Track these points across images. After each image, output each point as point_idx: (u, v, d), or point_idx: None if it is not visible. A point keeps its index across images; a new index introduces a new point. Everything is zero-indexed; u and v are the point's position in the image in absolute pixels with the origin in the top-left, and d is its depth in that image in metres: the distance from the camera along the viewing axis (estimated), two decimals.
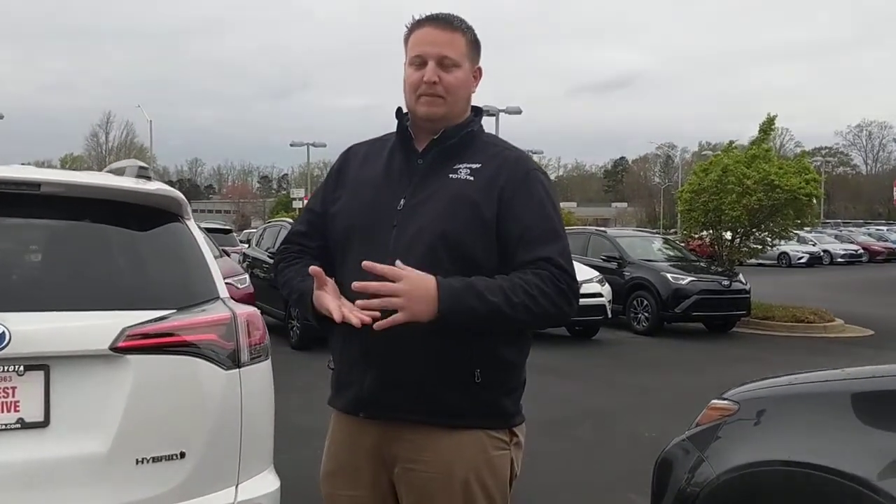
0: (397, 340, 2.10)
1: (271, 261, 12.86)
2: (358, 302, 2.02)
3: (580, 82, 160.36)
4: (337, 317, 2.07)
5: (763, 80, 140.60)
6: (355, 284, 2.02)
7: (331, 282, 2.19)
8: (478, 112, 2.38)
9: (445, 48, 2.21)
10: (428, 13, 2.27)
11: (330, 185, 2.42)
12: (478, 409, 2.19)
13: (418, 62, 2.22)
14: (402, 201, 2.22)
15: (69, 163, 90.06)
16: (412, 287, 1.99)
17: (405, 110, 2.33)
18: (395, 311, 1.99)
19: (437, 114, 2.24)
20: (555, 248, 2.15)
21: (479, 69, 2.34)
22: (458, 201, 2.17)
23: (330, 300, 2.13)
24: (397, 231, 2.19)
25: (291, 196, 55.53)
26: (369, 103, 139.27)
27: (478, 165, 2.22)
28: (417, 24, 2.26)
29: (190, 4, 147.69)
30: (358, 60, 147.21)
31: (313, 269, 2.16)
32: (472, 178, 2.20)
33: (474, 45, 2.29)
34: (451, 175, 2.22)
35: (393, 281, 1.98)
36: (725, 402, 3.14)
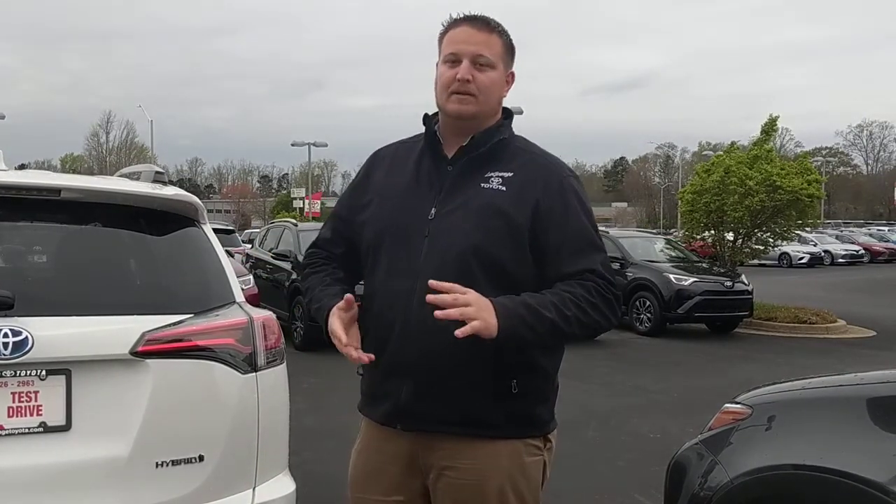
0: (434, 352, 2.09)
1: (275, 261, 12.92)
2: (437, 313, 1.96)
3: (589, 84, 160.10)
4: (342, 350, 2.14)
5: (763, 81, 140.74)
6: (430, 298, 1.97)
7: (354, 308, 2.18)
8: (508, 115, 2.33)
9: (481, 47, 2.17)
10: (465, 13, 2.22)
11: (358, 191, 2.40)
12: (514, 420, 2.17)
13: (452, 59, 2.18)
14: (432, 210, 2.19)
15: (69, 162, 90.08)
16: (479, 299, 1.98)
17: (431, 114, 2.31)
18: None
19: (467, 112, 2.19)
20: (597, 258, 2.15)
21: (512, 74, 2.29)
22: (490, 213, 2.14)
23: (339, 329, 2.13)
24: (429, 242, 2.16)
25: (292, 196, 55.45)
26: (382, 103, 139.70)
27: (510, 174, 2.19)
28: (454, 23, 2.22)
29: (205, 5, 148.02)
30: (370, 61, 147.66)
31: (347, 297, 2.16)
32: (503, 189, 2.16)
33: (509, 49, 2.25)
34: (482, 184, 2.18)
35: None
36: (738, 405, 3.16)
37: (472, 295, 1.97)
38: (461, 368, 2.11)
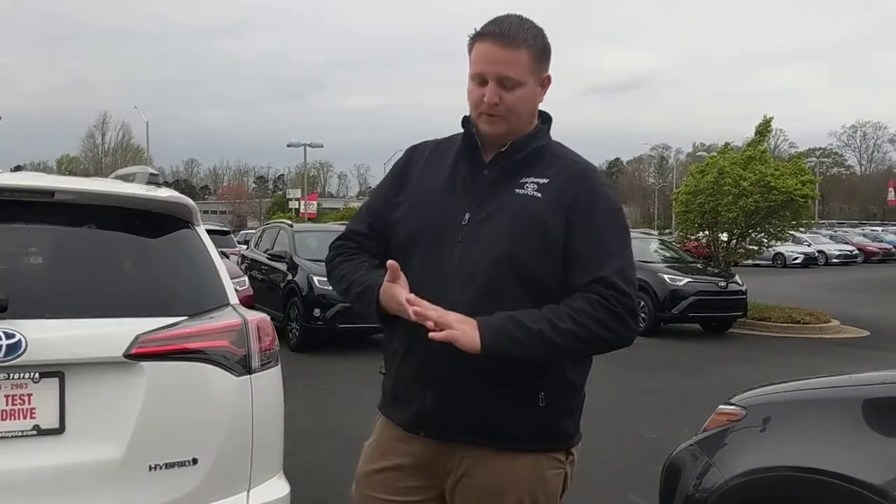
0: (461, 360, 2.03)
1: (270, 262, 12.90)
2: (415, 309, 2.00)
3: (585, 85, 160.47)
4: (410, 313, 2.02)
5: (757, 83, 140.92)
6: (414, 312, 2.00)
7: (403, 277, 2.11)
8: (546, 119, 2.27)
9: (507, 68, 2.08)
10: (491, 23, 2.12)
11: (394, 187, 2.32)
12: (539, 433, 2.14)
13: (478, 79, 2.12)
14: (466, 216, 2.15)
15: (65, 164, 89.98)
16: (460, 315, 1.99)
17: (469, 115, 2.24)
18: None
19: (498, 133, 2.15)
20: (611, 267, 2.05)
21: (548, 77, 2.21)
22: (525, 220, 2.09)
23: (402, 292, 2.07)
24: (462, 248, 2.12)
25: (288, 196, 55.44)
26: (380, 103, 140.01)
27: (545, 181, 2.14)
28: (479, 37, 2.12)
29: (205, 5, 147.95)
30: (369, 61, 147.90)
31: (390, 262, 2.09)
32: (538, 195, 2.11)
33: (540, 57, 2.15)
34: (517, 190, 2.13)
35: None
36: (733, 407, 3.15)
37: (452, 315, 1.99)
38: (488, 378, 2.06)
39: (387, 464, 2.25)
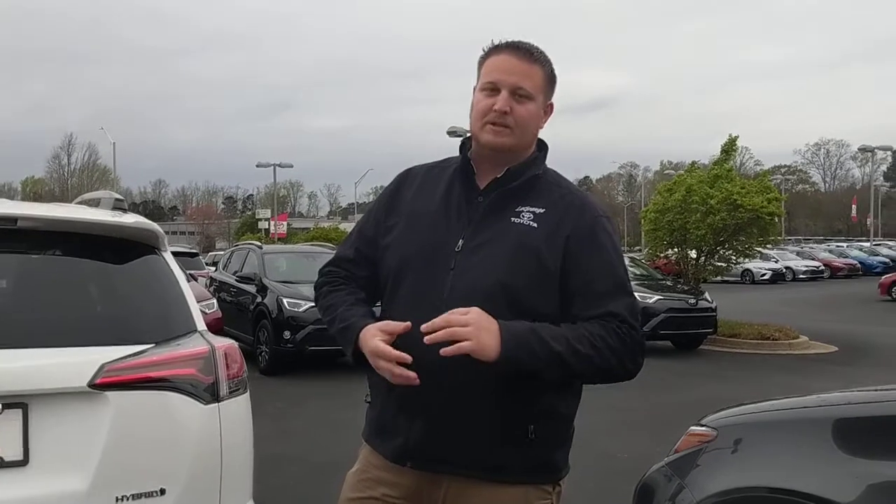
0: (451, 391, 2.01)
1: (239, 285, 12.81)
2: (425, 333, 1.92)
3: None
4: (389, 376, 2.00)
5: (722, 101, 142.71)
6: (424, 327, 1.93)
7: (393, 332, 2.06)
8: (542, 147, 2.26)
9: (522, 78, 2.10)
10: (508, 41, 2.16)
11: (382, 211, 2.29)
12: (529, 466, 2.11)
13: (490, 88, 2.11)
14: (460, 242, 2.11)
15: (30, 185, 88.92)
16: (480, 318, 1.92)
17: (468, 138, 2.24)
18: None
19: (503, 144, 2.12)
20: (622, 303, 2.05)
21: (551, 105, 2.22)
22: (521, 249, 2.07)
23: (389, 349, 2.01)
24: (454, 276, 2.09)
25: (257, 217, 55.08)
26: (348, 124, 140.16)
27: (541, 210, 2.11)
28: (496, 50, 2.15)
29: (171, 28, 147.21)
30: (337, 82, 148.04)
31: (407, 325, 2.02)
32: (535, 225, 2.09)
33: (550, 80, 2.18)
34: (512, 219, 2.11)
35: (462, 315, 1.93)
36: (704, 428, 3.16)
37: (472, 315, 1.93)
38: (478, 411, 2.03)
39: (371, 493, 2.20)
